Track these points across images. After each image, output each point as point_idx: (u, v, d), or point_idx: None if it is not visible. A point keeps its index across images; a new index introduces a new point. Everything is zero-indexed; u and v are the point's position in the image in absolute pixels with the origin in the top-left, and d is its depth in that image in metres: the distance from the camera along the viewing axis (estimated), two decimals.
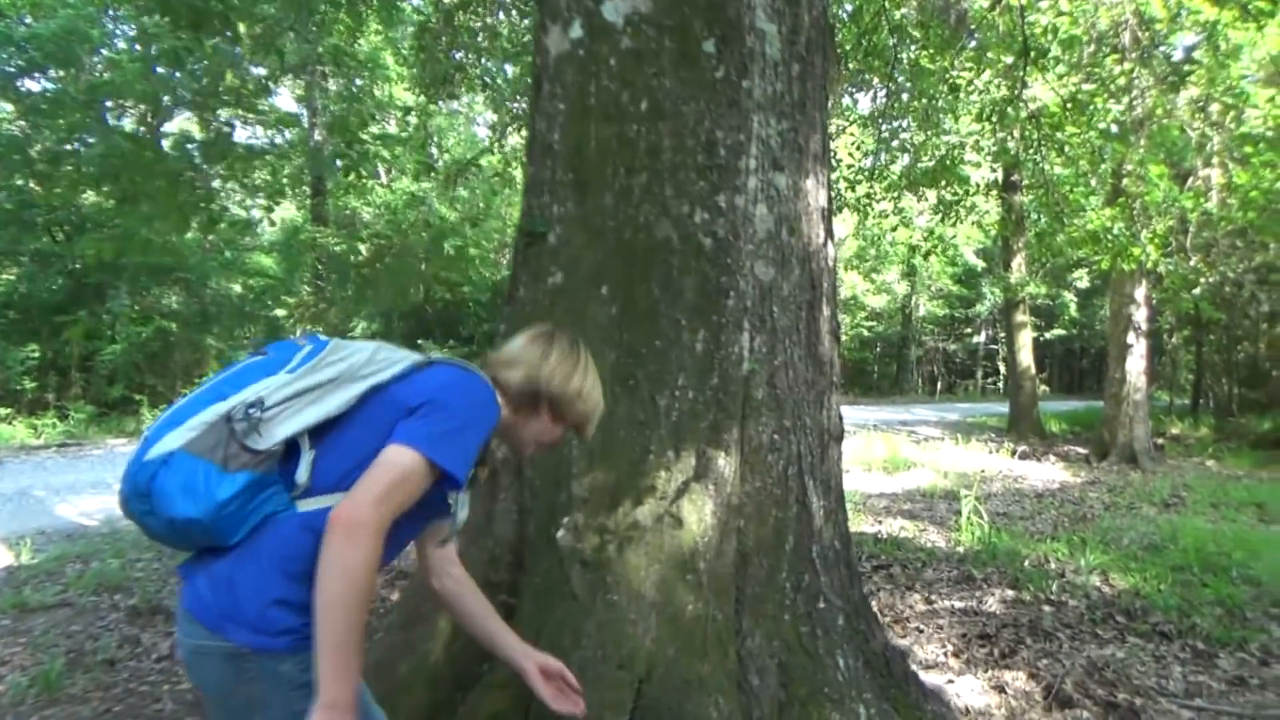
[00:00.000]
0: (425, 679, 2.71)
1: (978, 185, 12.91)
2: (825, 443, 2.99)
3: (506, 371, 1.80)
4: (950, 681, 3.90)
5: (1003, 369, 36.35)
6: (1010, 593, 5.43)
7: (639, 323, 2.75)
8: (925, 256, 14.64)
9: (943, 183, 12.46)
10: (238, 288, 19.49)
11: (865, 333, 34.52)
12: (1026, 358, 17.05)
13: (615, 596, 2.51)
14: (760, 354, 2.78)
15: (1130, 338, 13.15)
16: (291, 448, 1.56)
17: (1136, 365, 13.18)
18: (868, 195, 12.26)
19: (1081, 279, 31.06)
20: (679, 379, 2.70)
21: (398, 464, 1.50)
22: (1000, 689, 3.83)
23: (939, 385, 38.60)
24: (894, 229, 14.47)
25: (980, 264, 32.94)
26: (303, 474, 1.55)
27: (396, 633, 2.88)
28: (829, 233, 3.07)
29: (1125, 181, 8.96)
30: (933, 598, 5.30)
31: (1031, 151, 8.06)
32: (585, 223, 2.86)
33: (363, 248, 17.60)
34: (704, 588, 2.58)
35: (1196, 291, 12.55)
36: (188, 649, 1.54)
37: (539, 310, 2.91)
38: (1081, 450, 14.18)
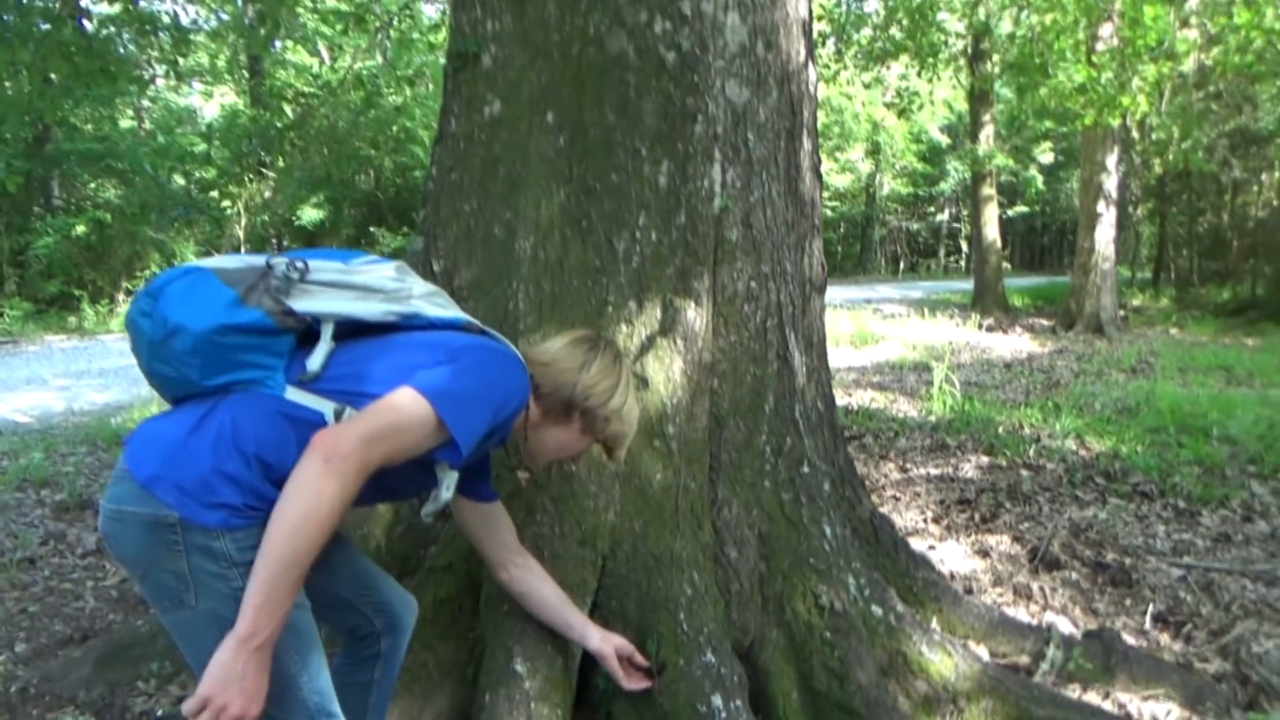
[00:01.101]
0: None
1: (949, 46, 12.29)
2: (807, 293, 2.66)
3: (541, 371, 1.66)
4: (932, 548, 3.71)
5: (965, 247, 36.29)
6: (986, 459, 5.27)
7: (591, 154, 2.34)
8: (901, 114, 14.12)
9: (912, 48, 11.85)
10: (179, 178, 18.48)
11: (829, 213, 34.02)
12: (992, 232, 16.79)
13: (572, 466, 2.20)
14: (734, 189, 2.40)
15: (1100, 206, 12.89)
16: (310, 338, 1.47)
17: (1105, 235, 12.98)
18: (838, 57, 11.61)
19: (1046, 152, 30.62)
20: (640, 219, 2.32)
21: (404, 409, 1.35)
22: (984, 553, 3.65)
23: (902, 265, 38.49)
24: (867, 87, 13.84)
25: (945, 140, 32.32)
26: (315, 361, 1.44)
27: None
28: (810, 51, 2.65)
29: (1116, 25, 8.42)
30: (908, 466, 5.13)
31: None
32: (525, 39, 2.42)
33: (288, 109, 16.55)
34: (674, 454, 2.28)
35: (1187, 144, 12.14)
36: (108, 515, 1.37)
37: (474, 146, 2.49)
38: (1047, 323, 14.13)
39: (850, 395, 7.42)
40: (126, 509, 1.35)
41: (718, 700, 1.99)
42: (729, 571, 2.29)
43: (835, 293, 20.19)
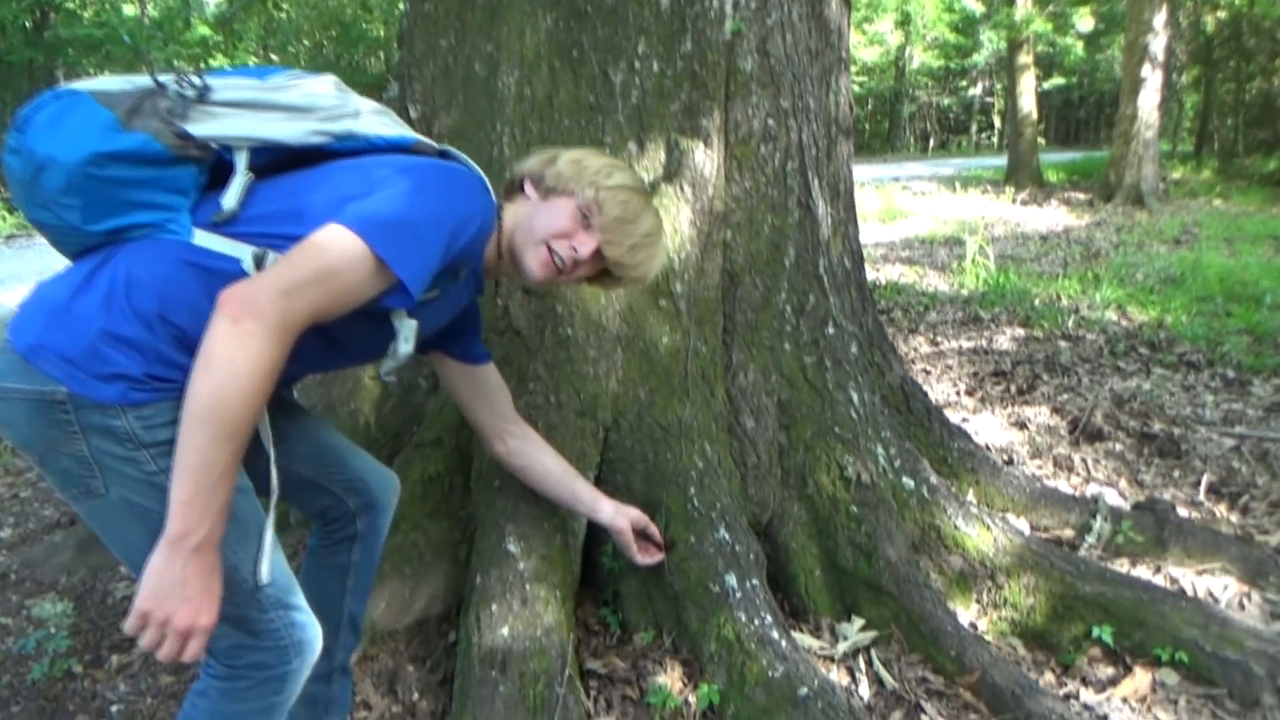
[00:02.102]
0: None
1: None
2: (833, 135, 2.35)
3: (543, 167, 1.41)
4: (965, 420, 3.49)
5: (998, 123, 34.87)
6: (1021, 331, 5.00)
7: None
8: None
9: None
10: (185, 66, 17.90)
11: (856, 89, 32.69)
12: (1028, 103, 15.93)
13: (568, 329, 1.97)
14: (747, 10, 2.06)
15: (1145, 70, 12.10)
16: (223, 172, 1.20)
17: (1149, 100, 12.22)
18: None
19: (1085, 18, 28.91)
20: (639, 46, 2.01)
21: (330, 249, 1.11)
22: (1021, 425, 3.42)
23: (932, 142, 37.18)
24: None
25: (979, 8, 30.59)
26: (231, 199, 1.17)
27: (313, 391, 2.36)
28: None
29: None
30: (939, 340, 4.87)
31: None
32: None
33: None
34: (682, 315, 2.04)
35: None
36: None
37: None
38: (1083, 196, 13.51)
39: (878, 270, 7.10)
40: (9, 385, 1.11)
41: (731, 579, 1.83)
42: (745, 442, 2.09)
43: (861, 171, 19.52)
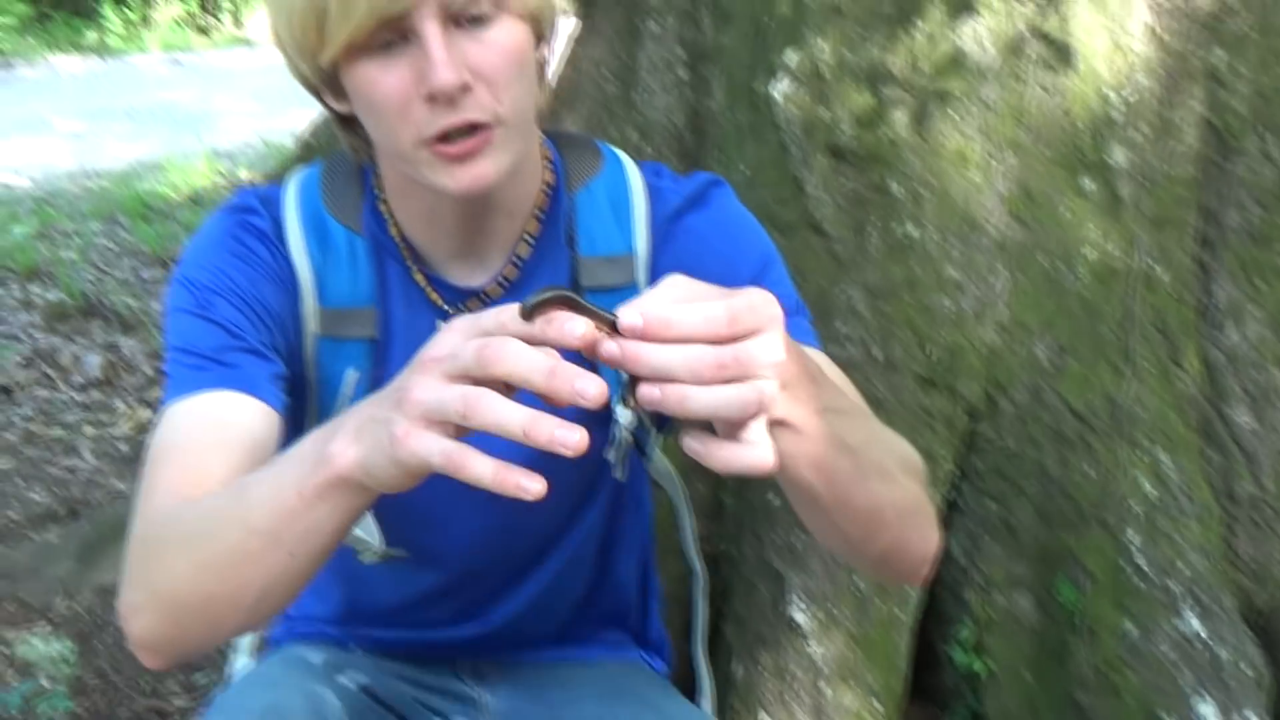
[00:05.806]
0: None
1: None
2: None
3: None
4: None
5: None
6: None
7: None
8: None
9: None
10: None
11: None
12: None
13: (910, 226, 1.97)
14: None
15: None
16: None
17: None
18: None
19: None
20: None
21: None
22: None
23: None
24: None
25: None
26: None
27: None
28: None
29: None
30: None
31: None
32: None
33: None
34: (1124, 206, 1.99)
35: None
36: None
37: None
38: None
39: None
40: None
41: (1206, 707, 1.75)
42: (1235, 453, 2.00)
43: None
